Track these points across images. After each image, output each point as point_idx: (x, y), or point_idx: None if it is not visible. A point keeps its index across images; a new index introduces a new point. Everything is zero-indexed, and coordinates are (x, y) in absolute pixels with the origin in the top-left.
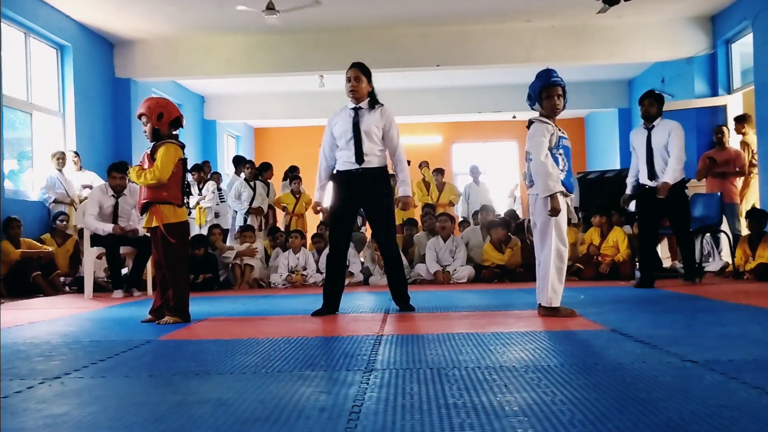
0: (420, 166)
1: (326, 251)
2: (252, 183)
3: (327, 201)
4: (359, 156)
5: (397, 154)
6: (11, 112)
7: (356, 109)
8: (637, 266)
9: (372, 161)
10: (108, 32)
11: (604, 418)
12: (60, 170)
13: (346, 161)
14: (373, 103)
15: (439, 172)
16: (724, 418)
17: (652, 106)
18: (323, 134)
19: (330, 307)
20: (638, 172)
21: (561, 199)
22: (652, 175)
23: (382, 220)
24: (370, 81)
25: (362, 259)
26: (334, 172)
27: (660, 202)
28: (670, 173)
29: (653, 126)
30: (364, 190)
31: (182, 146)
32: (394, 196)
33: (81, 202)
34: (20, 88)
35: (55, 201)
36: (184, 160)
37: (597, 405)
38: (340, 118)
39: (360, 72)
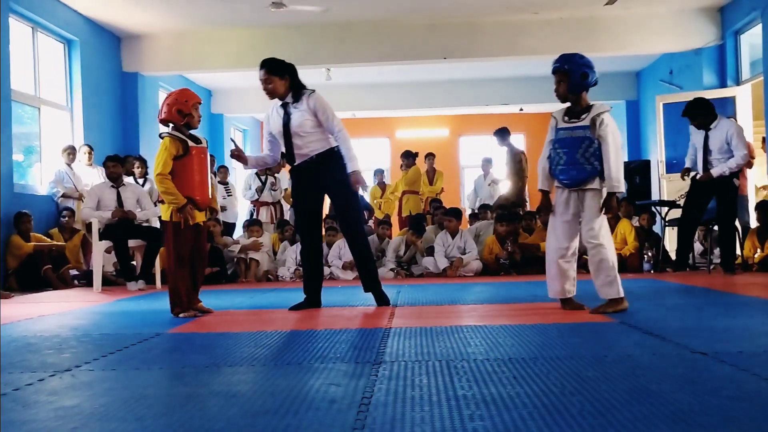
0: (426, 157)
1: (336, 244)
2: (262, 177)
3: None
4: (290, 156)
5: (335, 134)
6: (19, 107)
7: (284, 106)
8: (645, 258)
9: (315, 149)
10: (115, 26)
11: (613, 409)
12: (69, 165)
13: (292, 155)
14: (298, 94)
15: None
16: (734, 409)
17: (704, 118)
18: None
19: (312, 301)
20: (695, 160)
21: (556, 193)
22: (705, 170)
23: (343, 207)
24: (284, 75)
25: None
26: (289, 168)
27: (709, 192)
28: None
29: (710, 128)
30: (319, 181)
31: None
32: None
33: None
34: (28, 82)
35: (64, 195)
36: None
37: (606, 396)
38: (273, 116)
39: (267, 72)
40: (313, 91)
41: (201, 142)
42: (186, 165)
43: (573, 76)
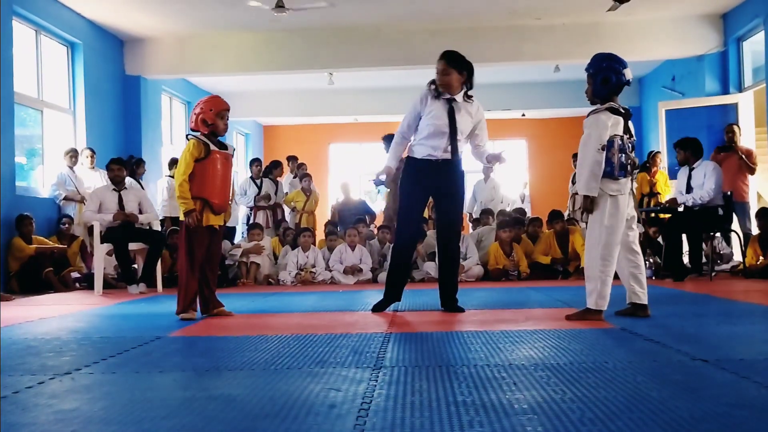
0: None
1: (338, 248)
2: (258, 181)
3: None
4: (453, 150)
5: (484, 146)
6: (22, 110)
7: (450, 101)
8: (647, 265)
9: (457, 154)
10: (118, 30)
11: (614, 416)
12: (71, 167)
13: (431, 150)
14: (469, 97)
15: None
16: (735, 417)
17: (683, 153)
18: (408, 113)
19: (393, 297)
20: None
21: None
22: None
23: (451, 215)
24: (462, 71)
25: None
26: (413, 158)
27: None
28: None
29: (693, 168)
30: (443, 182)
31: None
32: (465, 192)
33: None
34: (31, 85)
35: (66, 198)
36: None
37: (607, 403)
38: (434, 105)
39: (446, 63)
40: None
41: (226, 149)
42: (205, 168)
43: (594, 80)
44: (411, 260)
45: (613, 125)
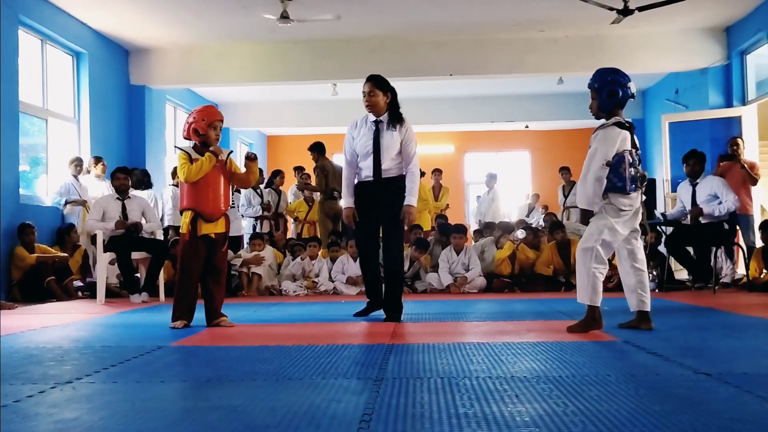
0: (433, 173)
1: (340, 259)
2: (259, 190)
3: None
4: (377, 170)
5: (410, 167)
6: (27, 118)
7: (376, 123)
8: (650, 277)
9: (390, 172)
10: (123, 40)
11: (616, 430)
12: (75, 176)
13: (367, 172)
14: (396, 118)
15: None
16: (738, 431)
17: (696, 165)
18: (344, 143)
19: (375, 304)
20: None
21: None
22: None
23: (390, 232)
24: (386, 92)
25: None
26: (356, 181)
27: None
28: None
29: (697, 182)
30: (381, 198)
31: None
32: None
33: None
34: (36, 94)
35: (69, 202)
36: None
37: (609, 417)
38: (360, 132)
39: (373, 86)
40: (405, 120)
41: (218, 155)
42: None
43: (600, 94)
44: (377, 267)
45: (622, 140)
